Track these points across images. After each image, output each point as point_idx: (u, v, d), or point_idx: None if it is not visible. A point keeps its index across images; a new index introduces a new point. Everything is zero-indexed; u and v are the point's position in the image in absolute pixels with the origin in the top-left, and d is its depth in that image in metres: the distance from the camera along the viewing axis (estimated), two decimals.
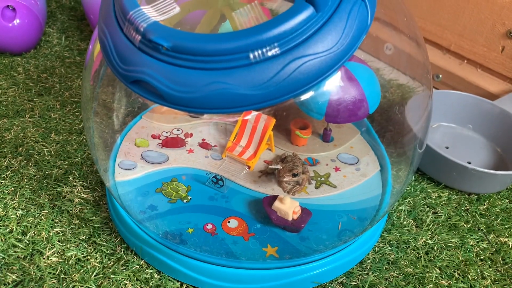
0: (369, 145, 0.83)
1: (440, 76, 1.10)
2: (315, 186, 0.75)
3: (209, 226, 0.68)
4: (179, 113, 0.87)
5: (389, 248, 0.71)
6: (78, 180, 0.78)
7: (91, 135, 0.75)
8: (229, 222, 0.69)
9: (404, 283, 0.66)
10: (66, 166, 0.80)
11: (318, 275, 0.64)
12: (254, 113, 0.78)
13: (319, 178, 0.76)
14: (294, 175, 0.71)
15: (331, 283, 0.66)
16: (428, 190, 0.81)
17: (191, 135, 0.83)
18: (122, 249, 0.68)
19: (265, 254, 0.65)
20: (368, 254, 0.70)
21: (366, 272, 0.67)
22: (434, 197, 0.80)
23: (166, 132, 0.83)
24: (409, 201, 0.79)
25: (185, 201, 0.71)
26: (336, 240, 0.67)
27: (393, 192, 0.74)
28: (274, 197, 0.69)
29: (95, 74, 0.67)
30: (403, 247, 0.71)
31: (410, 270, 0.68)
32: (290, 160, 0.73)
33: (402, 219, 0.76)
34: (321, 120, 0.81)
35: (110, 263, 0.66)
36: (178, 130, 0.84)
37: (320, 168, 0.78)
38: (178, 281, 0.65)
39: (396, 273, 0.67)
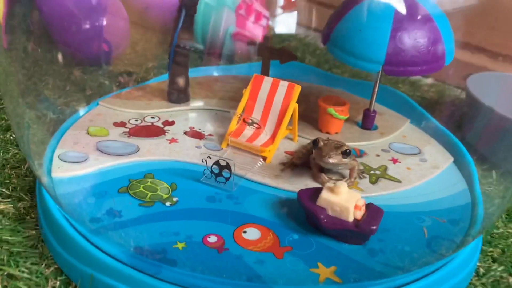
0: (427, 134, 0.58)
1: None
2: (370, 181, 0.48)
3: (213, 239, 0.40)
4: (154, 97, 0.60)
5: (501, 268, 0.44)
6: None
7: (17, 116, 0.48)
8: (244, 232, 0.41)
9: None
10: None
11: None
12: (269, 78, 0.53)
13: (372, 172, 0.50)
14: (346, 153, 0.45)
15: None
16: None
17: (173, 123, 0.56)
18: (58, 284, 0.38)
19: (318, 278, 0.37)
20: (472, 279, 0.43)
21: None
22: None
23: (136, 120, 0.56)
24: (497, 201, 0.53)
25: (168, 203, 0.43)
26: (427, 252, 0.40)
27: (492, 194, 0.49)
28: (318, 189, 0.42)
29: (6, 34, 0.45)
30: None
31: None
32: (328, 142, 0.47)
33: (500, 226, 0.50)
34: (361, 101, 0.55)
35: None
36: (153, 117, 0.57)
37: (369, 160, 0.52)
38: None
39: None
